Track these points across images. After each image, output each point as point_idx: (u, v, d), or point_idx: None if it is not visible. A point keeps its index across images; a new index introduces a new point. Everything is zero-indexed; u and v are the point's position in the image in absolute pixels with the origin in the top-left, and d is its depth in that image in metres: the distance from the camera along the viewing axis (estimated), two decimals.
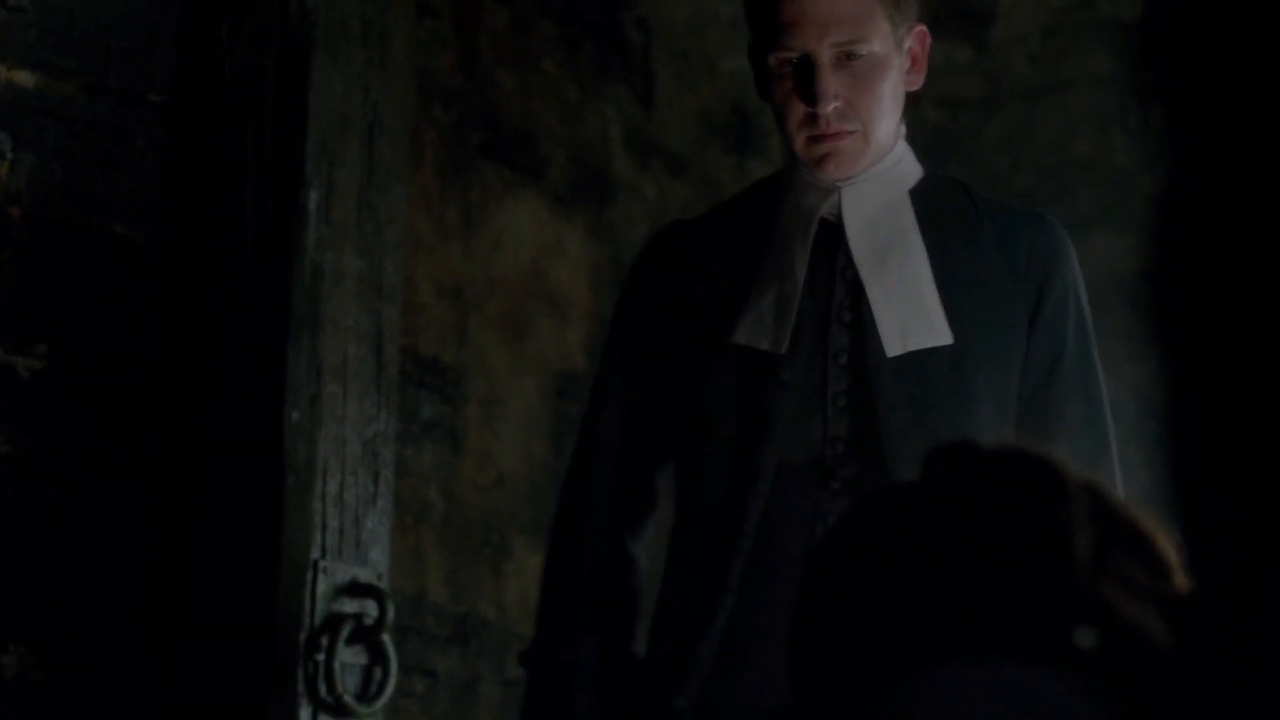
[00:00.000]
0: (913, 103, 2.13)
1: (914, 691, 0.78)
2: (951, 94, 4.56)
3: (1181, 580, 0.83)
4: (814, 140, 2.04)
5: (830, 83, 1.98)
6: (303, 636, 2.64)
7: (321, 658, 2.63)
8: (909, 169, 2.13)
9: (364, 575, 2.76)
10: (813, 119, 2.01)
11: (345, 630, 2.65)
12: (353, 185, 2.80)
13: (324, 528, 2.70)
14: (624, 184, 4.22)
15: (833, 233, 2.07)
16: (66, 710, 2.57)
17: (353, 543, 2.76)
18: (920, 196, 2.10)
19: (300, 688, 2.62)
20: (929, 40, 2.10)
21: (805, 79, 1.99)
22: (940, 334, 2.00)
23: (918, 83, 2.10)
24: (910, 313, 2.00)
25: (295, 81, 2.71)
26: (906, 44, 2.06)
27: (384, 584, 2.80)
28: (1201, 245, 0.73)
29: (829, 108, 1.99)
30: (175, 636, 2.68)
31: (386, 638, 2.65)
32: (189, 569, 2.69)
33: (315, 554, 2.68)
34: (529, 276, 3.86)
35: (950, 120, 4.54)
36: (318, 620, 2.66)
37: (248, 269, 2.69)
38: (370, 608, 2.72)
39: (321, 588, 2.67)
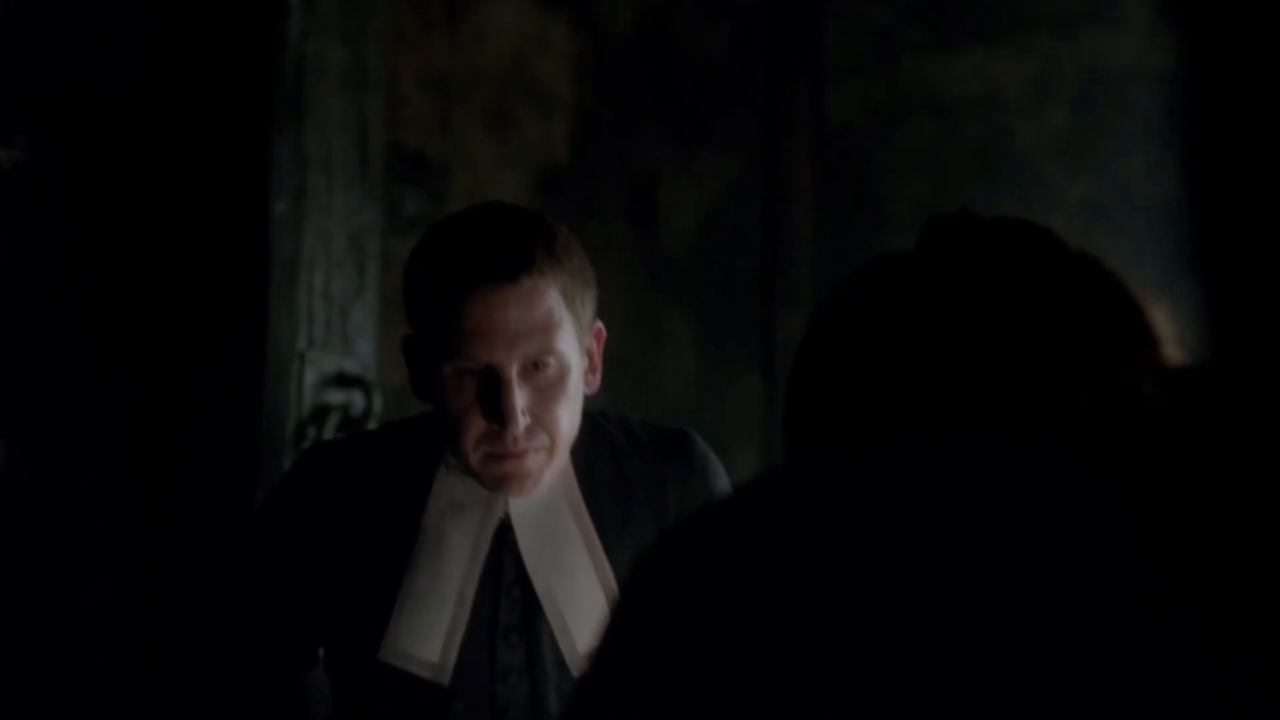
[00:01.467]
0: None
1: (909, 456, 0.80)
2: None
3: (1171, 350, 0.84)
4: (495, 459, 1.80)
5: (519, 399, 1.77)
6: (290, 427, 2.67)
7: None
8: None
9: (351, 367, 2.78)
10: (496, 435, 1.78)
11: (333, 420, 2.68)
12: None
13: (310, 320, 2.71)
14: None
15: (497, 533, 1.89)
16: (55, 503, 2.60)
17: (339, 335, 2.78)
18: (580, 475, 1.93)
19: None
20: (604, 336, 1.93)
21: (490, 393, 1.77)
22: None
23: (595, 384, 1.91)
24: (590, 629, 1.88)
25: None
26: (586, 344, 1.87)
27: (371, 375, 2.82)
28: (1204, 43, 0.72)
29: (520, 426, 1.78)
30: (163, 428, 2.70)
31: (374, 428, 2.68)
32: (176, 361, 2.70)
33: (302, 346, 2.70)
34: (513, 70, 3.83)
35: None
36: (305, 411, 2.69)
37: (230, 60, 2.66)
38: (357, 398, 2.75)
39: (309, 379, 2.70)
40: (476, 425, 1.78)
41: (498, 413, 1.76)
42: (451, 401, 1.78)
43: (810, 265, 4.73)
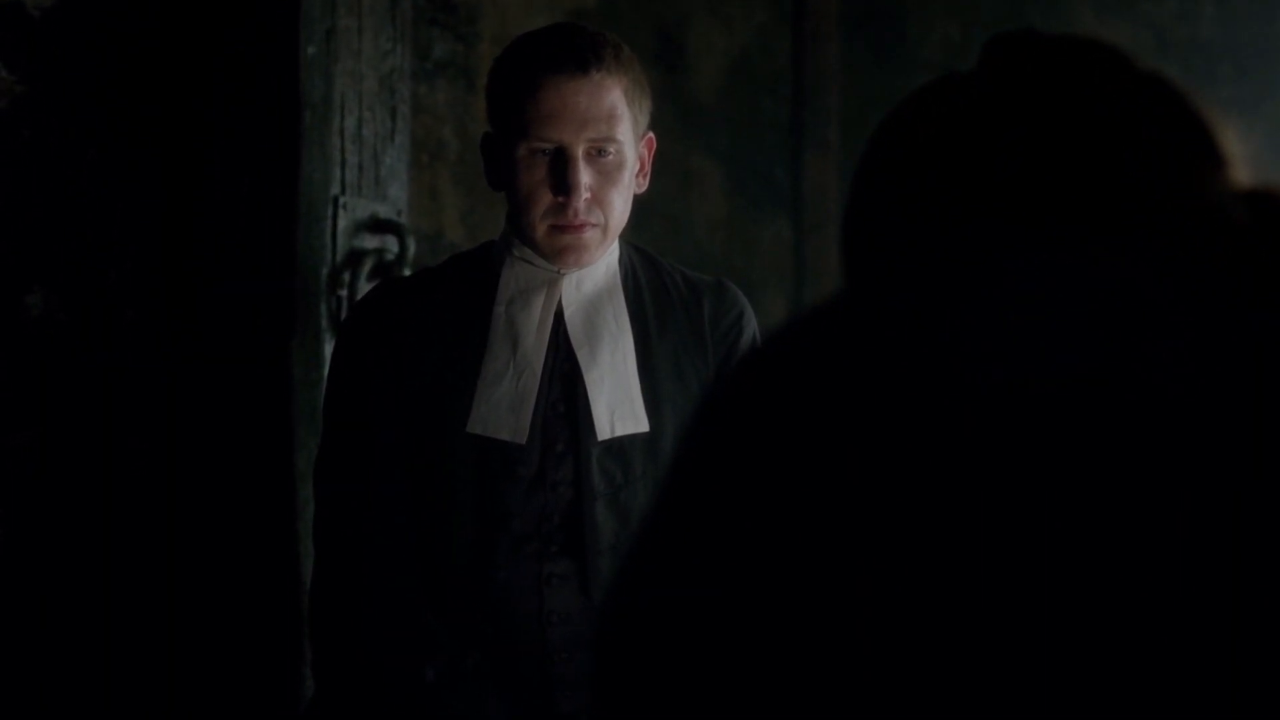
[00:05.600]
0: None
1: (987, 269, 0.77)
2: None
3: (1241, 173, 0.81)
4: (557, 230, 2.11)
5: (583, 175, 2.07)
6: (325, 272, 2.68)
7: (344, 293, 2.67)
8: (614, 252, 2.22)
9: (384, 211, 2.78)
10: (560, 209, 2.09)
11: (367, 265, 2.69)
12: None
13: (343, 164, 2.71)
14: None
15: (553, 322, 2.18)
16: (89, 352, 2.62)
17: (372, 179, 2.78)
18: (624, 280, 2.22)
19: (324, 323, 2.68)
20: (654, 146, 2.22)
21: (558, 170, 2.08)
22: (640, 422, 2.16)
23: (644, 186, 2.21)
24: (618, 400, 2.16)
25: None
26: (639, 149, 2.17)
27: (404, 220, 2.82)
28: None
29: (581, 199, 2.08)
30: (198, 277, 2.71)
31: (408, 273, 2.69)
32: (210, 210, 2.71)
33: (335, 190, 2.70)
34: None
35: None
36: (339, 256, 2.70)
37: None
38: (391, 243, 2.76)
39: (342, 223, 2.70)
40: (544, 199, 2.08)
41: (564, 187, 2.07)
42: (524, 179, 2.09)
43: (838, 109, 4.70)
